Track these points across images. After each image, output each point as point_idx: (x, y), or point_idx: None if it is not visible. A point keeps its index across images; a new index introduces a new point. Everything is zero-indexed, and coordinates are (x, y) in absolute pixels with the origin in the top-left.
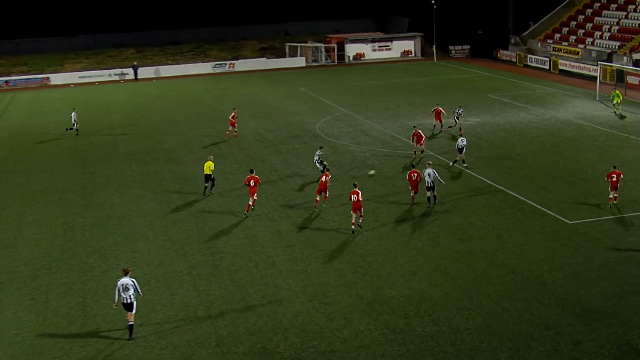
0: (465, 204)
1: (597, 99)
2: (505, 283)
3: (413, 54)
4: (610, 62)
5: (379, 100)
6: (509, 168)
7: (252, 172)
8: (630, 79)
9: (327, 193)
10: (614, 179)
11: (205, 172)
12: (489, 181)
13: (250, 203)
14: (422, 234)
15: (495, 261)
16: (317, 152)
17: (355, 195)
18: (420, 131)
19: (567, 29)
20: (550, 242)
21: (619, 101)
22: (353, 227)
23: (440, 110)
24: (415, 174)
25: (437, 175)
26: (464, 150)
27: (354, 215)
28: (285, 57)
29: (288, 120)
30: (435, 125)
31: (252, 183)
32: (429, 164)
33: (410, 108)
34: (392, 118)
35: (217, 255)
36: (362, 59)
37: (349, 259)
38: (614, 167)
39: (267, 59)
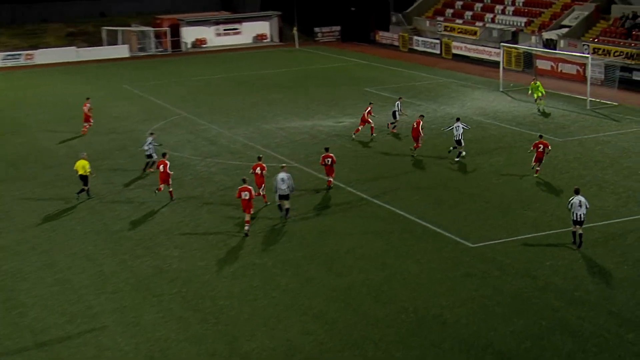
0: (340, 226)
1: (501, 89)
2: (395, 325)
3: (269, 39)
4: (516, 43)
5: (227, 98)
6: (395, 180)
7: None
8: (541, 64)
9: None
10: (540, 149)
11: (79, 173)
12: (369, 197)
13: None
14: (287, 267)
15: (382, 298)
16: (148, 142)
17: (246, 192)
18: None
19: (461, 3)
20: (450, 271)
21: (539, 95)
22: (247, 227)
23: (370, 111)
24: (329, 159)
25: (292, 182)
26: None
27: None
28: (102, 45)
29: (110, 127)
30: (360, 129)
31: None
32: (282, 167)
33: (267, 108)
34: (244, 121)
35: (14, 311)
36: (204, 46)
37: (195, 304)
38: (541, 137)
39: (77, 47)
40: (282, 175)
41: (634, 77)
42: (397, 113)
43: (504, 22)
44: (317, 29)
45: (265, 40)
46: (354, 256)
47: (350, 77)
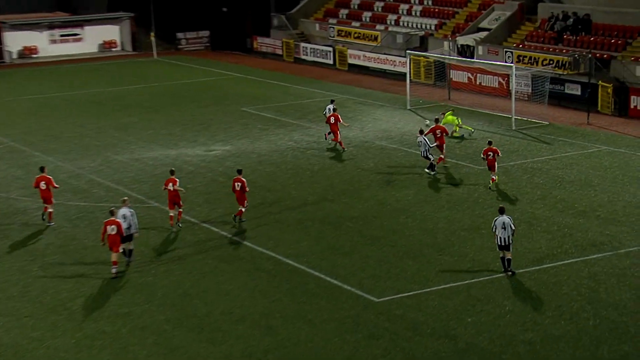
0: (212, 280)
1: (408, 107)
2: None
3: (119, 47)
4: (425, 50)
5: (66, 123)
6: (281, 221)
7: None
8: (456, 75)
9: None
10: (490, 157)
11: None
12: (248, 242)
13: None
14: (147, 334)
15: None
16: None
17: (113, 226)
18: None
19: (357, 2)
20: (350, 333)
21: (457, 127)
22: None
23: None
24: (239, 183)
25: (136, 219)
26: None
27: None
28: None
29: None
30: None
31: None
32: (124, 201)
33: (119, 134)
34: (90, 151)
35: None
36: (35, 56)
37: None
38: (490, 143)
39: None
40: (124, 211)
41: (567, 91)
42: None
43: (410, 24)
44: (180, 35)
45: (114, 49)
46: (231, 319)
47: (222, 94)
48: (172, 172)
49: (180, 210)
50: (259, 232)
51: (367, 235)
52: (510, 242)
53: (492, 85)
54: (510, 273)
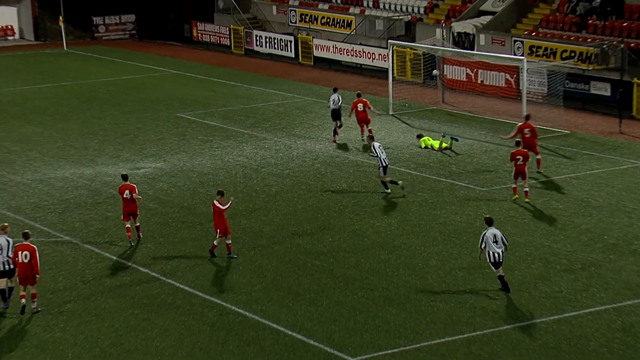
0: (134, 337)
1: (391, 112)
2: None
3: (16, 35)
4: (412, 40)
5: None
6: (228, 258)
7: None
8: (451, 72)
9: None
10: (520, 162)
11: None
12: (187, 287)
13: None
14: None
15: None
16: None
17: (26, 252)
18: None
19: None
20: None
21: (442, 144)
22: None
23: (365, 104)
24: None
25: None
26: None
27: None
28: None
29: None
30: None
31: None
32: (3, 227)
33: (17, 148)
34: None
35: None
36: None
37: None
38: (518, 144)
39: None
40: (1, 240)
41: (593, 91)
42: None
43: (393, 7)
44: (97, 20)
45: (11, 37)
46: None
47: (153, 96)
48: (125, 178)
49: (137, 224)
50: (200, 273)
51: (338, 276)
52: (503, 259)
53: (497, 84)
54: (506, 291)
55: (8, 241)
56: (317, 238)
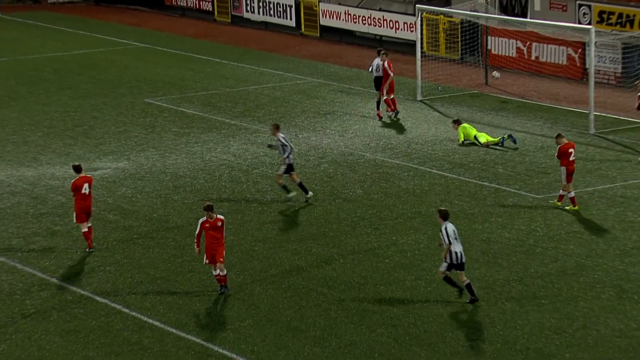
0: None
1: (419, 96)
2: None
3: None
4: (446, 4)
5: None
6: (209, 286)
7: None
8: (497, 45)
9: None
10: (572, 157)
11: None
12: (156, 321)
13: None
14: None
15: None
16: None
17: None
18: None
19: None
20: None
21: (486, 140)
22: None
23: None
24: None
25: None
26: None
27: None
28: None
29: None
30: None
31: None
32: None
33: None
34: None
35: None
36: None
37: None
38: (559, 135)
39: None
40: None
41: None
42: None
43: None
44: None
45: None
46: None
47: (113, 77)
48: (78, 169)
49: (89, 225)
50: (174, 304)
51: (351, 309)
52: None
53: (556, 62)
54: (473, 299)
55: None
56: (324, 259)
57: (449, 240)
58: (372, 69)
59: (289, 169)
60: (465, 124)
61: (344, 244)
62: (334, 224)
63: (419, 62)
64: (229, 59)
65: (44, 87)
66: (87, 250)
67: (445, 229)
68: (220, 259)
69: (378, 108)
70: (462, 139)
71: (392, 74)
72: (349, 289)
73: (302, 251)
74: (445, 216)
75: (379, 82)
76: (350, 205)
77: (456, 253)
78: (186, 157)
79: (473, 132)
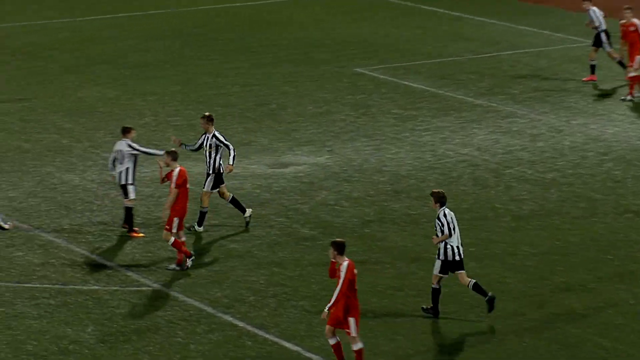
0: None
1: None
2: None
3: None
4: None
5: None
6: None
7: None
8: None
9: None
10: None
11: None
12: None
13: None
14: None
15: None
16: None
17: None
18: None
19: None
20: None
21: None
22: None
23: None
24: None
25: None
26: None
27: None
28: None
29: None
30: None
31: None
32: None
33: (69, 123)
34: None
35: None
36: None
37: None
38: None
39: None
40: None
41: None
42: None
43: None
44: None
45: None
46: None
47: (307, 37)
48: (176, 156)
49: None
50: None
51: None
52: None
53: None
54: (490, 300)
55: None
56: (611, 301)
57: (449, 231)
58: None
59: (213, 180)
60: None
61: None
62: (621, 248)
63: None
64: (472, 13)
65: (217, 49)
66: (190, 260)
67: (444, 215)
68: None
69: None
70: None
71: None
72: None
73: (574, 286)
74: (442, 200)
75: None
76: None
77: (452, 247)
78: (411, 150)
79: None
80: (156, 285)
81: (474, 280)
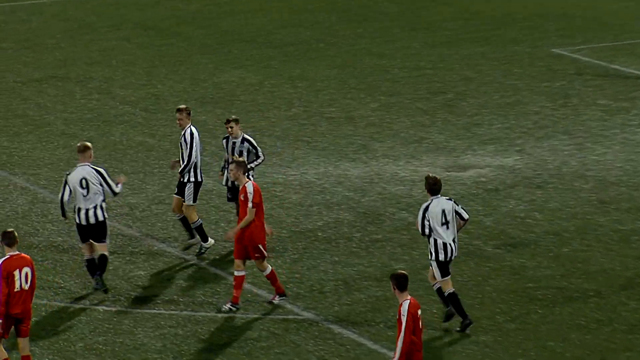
0: None
1: None
2: None
3: None
4: None
5: None
6: None
7: None
8: None
9: None
10: None
11: None
12: None
13: None
14: None
15: None
16: None
17: None
18: None
19: None
20: None
21: None
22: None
23: None
24: None
25: None
26: None
27: None
28: None
29: None
30: None
31: None
32: None
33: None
34: None
35: None
36: None
37: None
38: None
39: None
40: None
41: None
42: None
43: None
44: None
45: None
46: None
47: (498, 12)
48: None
49: None
50: None
51: None
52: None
53: None
54: (465, 323)
55: None
56: None
57: (427, 229)
58: None
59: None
60: None
61: None
62: None
63: None
64: None
65: (380, 26)
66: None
67: (428, 207)
68: None
69: None
70: None
71: None
72: None
73: None
74: (433, 188)
75: None
76: None
77: (445, 244)
78: (622, 150)
79: None
80: (307, 314)
81: (453, 290)
